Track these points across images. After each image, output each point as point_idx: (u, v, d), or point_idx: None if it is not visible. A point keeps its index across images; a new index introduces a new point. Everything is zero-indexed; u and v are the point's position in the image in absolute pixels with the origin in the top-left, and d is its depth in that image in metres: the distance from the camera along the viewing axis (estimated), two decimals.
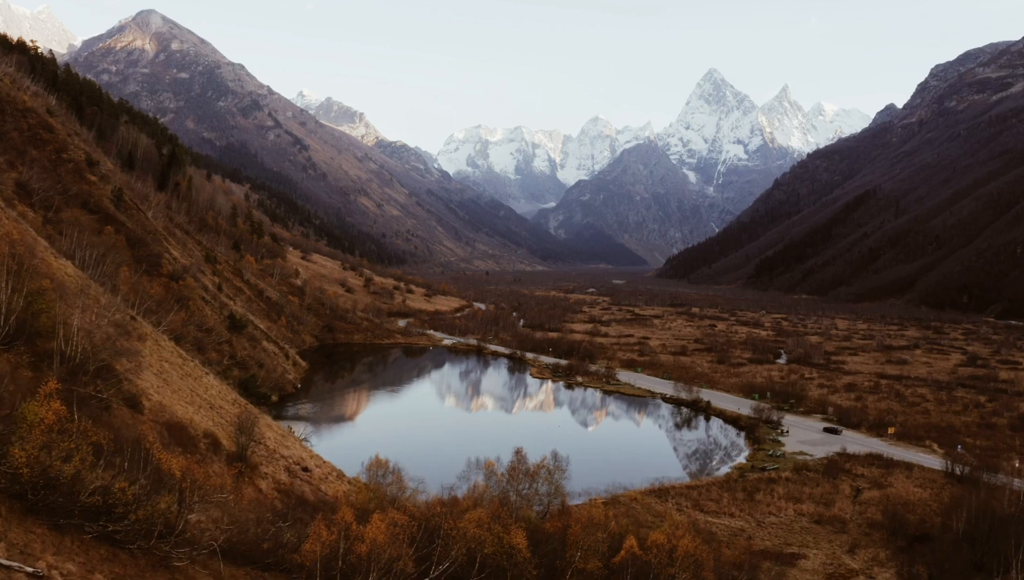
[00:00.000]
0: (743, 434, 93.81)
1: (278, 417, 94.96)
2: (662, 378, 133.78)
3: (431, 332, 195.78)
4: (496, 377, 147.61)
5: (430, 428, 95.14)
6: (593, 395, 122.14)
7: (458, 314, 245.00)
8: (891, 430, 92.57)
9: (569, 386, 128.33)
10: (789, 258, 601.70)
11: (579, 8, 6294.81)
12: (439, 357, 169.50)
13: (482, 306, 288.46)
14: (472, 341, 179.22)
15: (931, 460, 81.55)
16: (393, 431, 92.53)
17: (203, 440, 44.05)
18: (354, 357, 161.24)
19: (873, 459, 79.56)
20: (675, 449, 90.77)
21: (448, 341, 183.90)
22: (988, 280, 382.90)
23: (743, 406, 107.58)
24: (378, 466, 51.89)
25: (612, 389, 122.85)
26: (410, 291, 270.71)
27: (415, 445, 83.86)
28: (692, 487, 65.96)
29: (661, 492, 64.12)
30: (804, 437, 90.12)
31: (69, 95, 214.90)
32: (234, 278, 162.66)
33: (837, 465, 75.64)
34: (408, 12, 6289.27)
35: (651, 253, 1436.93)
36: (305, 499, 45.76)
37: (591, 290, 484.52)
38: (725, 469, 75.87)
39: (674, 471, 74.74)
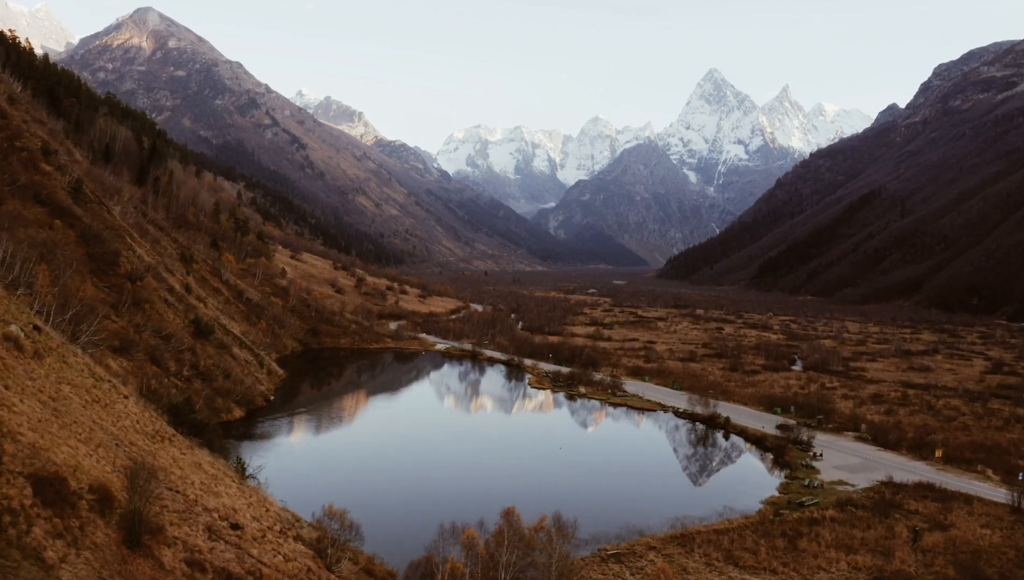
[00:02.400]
0: (770, 456, 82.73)
1: (244, 435, 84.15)
2: (672, 388, 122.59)
3: (423, 336, 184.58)
4: (490, 387, 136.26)
5: (410, 452, 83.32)
6: (598, 408, 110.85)
7: (453, 316, 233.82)
8: (938, 453, 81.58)
9: (571, 397, 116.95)
10: (793, 259, 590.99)
11: (579, 8, 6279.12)
12: (430, 364, 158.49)
13: (479, 307, 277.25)
14: (467, 346, 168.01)
15: (990, 490, 70.63)
16: (367, 456, 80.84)
17: (87, 496, 32.97)
18: (339, 363, 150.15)
19: (925, 490, 68.57)
20: (693, 476, 79.29)
21: (441, 345, 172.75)
22: (998, 281, 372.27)
23: (765, 422, 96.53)
24: (331, 517, 41.07)
25: (618, 401, 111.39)
26: (404, 292, 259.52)
27: (390, 475, 72.78)
28: (721, 531, 54.83)
29: (685, 539, 53.02)
30: (840, 461, 78.99)
31: (45, 85, 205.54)
32: (211, 278, 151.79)
33: (887, 499, 64.66)
34: (408, 12, 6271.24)
35: (651, 253, 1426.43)
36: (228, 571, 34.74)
37: (592, 291, 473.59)
38: (755, 504, 64.65)
39: (695, 506, 63.63)
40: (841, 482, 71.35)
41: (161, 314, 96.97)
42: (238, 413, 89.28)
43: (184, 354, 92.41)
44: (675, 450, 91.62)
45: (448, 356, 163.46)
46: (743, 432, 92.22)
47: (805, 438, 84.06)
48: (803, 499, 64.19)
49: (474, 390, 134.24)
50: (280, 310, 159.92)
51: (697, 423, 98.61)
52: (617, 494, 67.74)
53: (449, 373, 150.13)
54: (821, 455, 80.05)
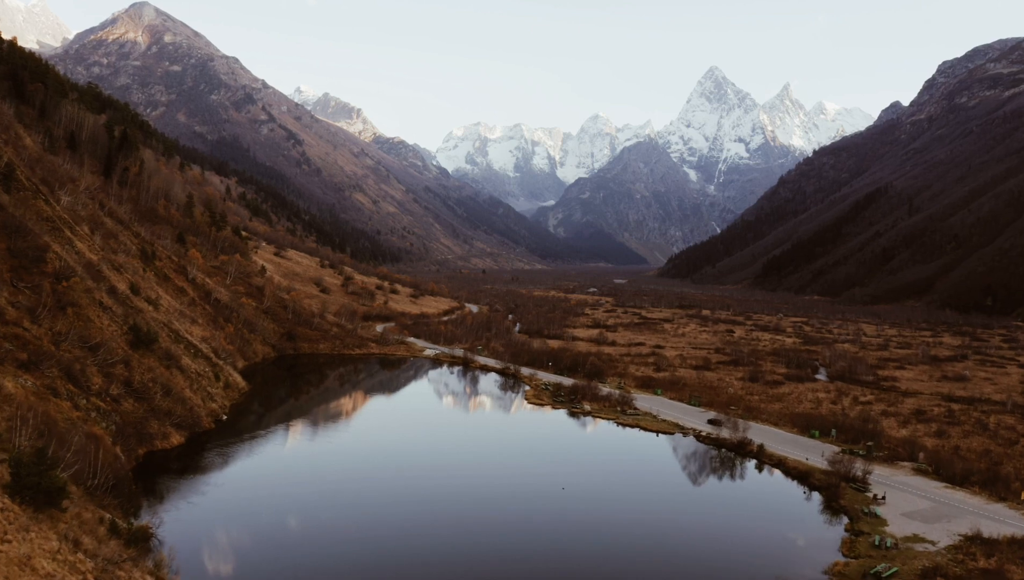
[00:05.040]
0: (819, 497, 67.55)
1: (179, 470, 69.59)
2: (689, 403, 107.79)
3: (412, 340, 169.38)
4: (481, 403, 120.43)
5: (373, 494, 66.48)
6: (605, 430, 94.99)
7: (446, 318, 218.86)
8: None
9: (574, 414, 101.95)
10: (798, 257, 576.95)
11: (579, 6, 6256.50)
12: (417, 373, 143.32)
13: (474, 308, 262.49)
14: (458, 352, 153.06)
15: None
16: (317, 500, 64.33)
17: None
18: (315, 372, 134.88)
19: (1023, 548, 54.06)
20: (731, 529, 61.57)
21: (430, 351, 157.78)
22: (1013, 281, 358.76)
23: (806, 449, 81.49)
24: None
25: (629, 421, 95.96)
26: (394, 291, 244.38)
27: (343, 533, 57.73)
28: None
29: None
30: (907, 505, 64.18)
31: (7, 69, 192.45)
32: (176, 277, 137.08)
33: (983, 567, 50.00)
34: (408, 10, 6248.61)
35: (651, 252, 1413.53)
36: None
37: (592, 290, 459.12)
38: (818, 576, 49.91)
39: (737, 575, 48.97)
40: (917, 538, 56.62)
41: (92, 320, 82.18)
42: (176, 439, 74.53)
43: (115, 367, 77.64)
44: (702, 489, 75.25)
45: (437, 363, 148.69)
46: (782, 464, 76.58)
47: (860, 474, 69.16)
48: (878, 568, 49.38)
49: (462, 407, 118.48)
50: (252, 312, 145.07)
51: (723, 450, 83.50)
52: (637, 559, 52.81)
53: (436, 384, 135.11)
54: (884, 498, 65.10)
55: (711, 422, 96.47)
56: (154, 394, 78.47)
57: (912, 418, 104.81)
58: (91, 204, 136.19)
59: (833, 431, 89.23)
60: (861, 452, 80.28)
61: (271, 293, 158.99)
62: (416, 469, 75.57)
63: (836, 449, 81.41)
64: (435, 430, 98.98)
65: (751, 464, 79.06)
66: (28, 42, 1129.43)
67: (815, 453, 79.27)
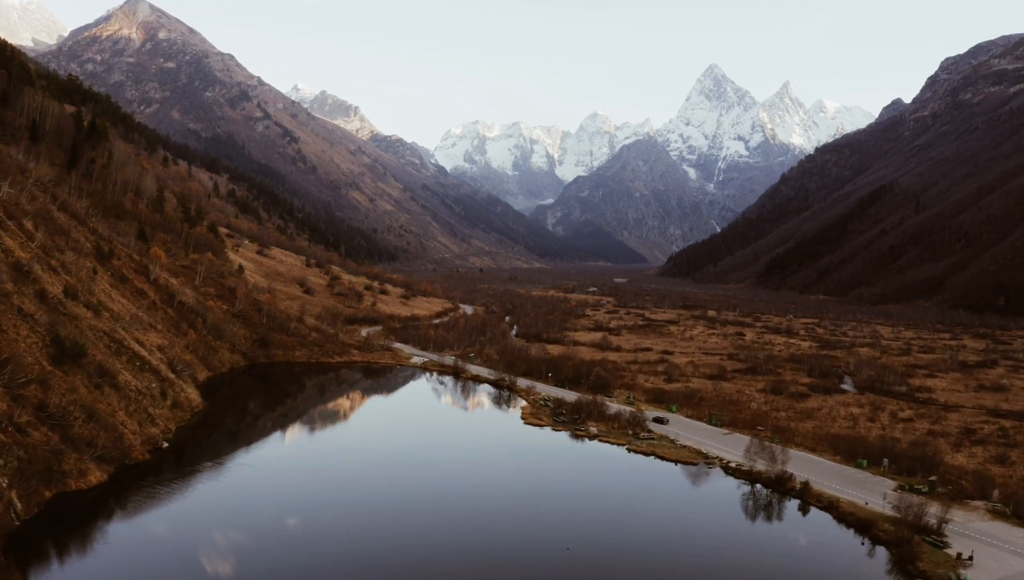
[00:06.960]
0: (885, 555, 54.01)
1: (97, 518, 56.25)
2: (710, 423, 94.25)
3: (399, 346, 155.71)
4: (470, 424, 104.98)
5: (325, 558, 51.55)
6: (614, 459, 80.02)
7: (437, 321, 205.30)
8: None
9: (578, 437, 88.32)
10: (802, 256, 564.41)
11: (579, 5, 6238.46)
12: (400, 385, 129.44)
13: (469, 309, 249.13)
14: (449, 360, 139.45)
15: None
16: (252, 566, 50.56)
17: None
18: (284, 385, 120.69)
19: None
20: None
21: (418, 359, 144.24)
22: None
23: (858, 485, 67.60)
24: None
25: (643, 448, 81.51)
26: (384, 292, 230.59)
27: None
28: None
29: None
30: (999, 567, 50.71)
31: None
32: (136, 278, 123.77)
33: None
34: (407, 10, 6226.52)
35: (651, 251, 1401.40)
36: None
37: (592, 289, 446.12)
38: None
39: None
40: None
41: (3, 330, 68.90)
42: (96, 476, 61.03)
43: (28, 388, 64.29)
44: (735, 545, 58.35)
45: (425, 372, 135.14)
46: (833, 507, 62.57)
47: (934, 522, 55.83)
48: None
49: (446, 430, 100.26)
50: (221, 316, 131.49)
51: (758, 486, 69.61)
52: None
53: (420, 399, 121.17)
54: (971, 558, 51.77)
55: (656, 420, 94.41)
56: (74, 420, 65.05)
57: (963, 439, 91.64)
58: (42, 197, 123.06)
59: (885, 461, 75.36)
60: (923, 488, 66.77)
61: (244, 295, 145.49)
62: (379, 517, 62.06)
63: (892, 483, 68.24)
64: (412, 459, 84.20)
65: (793, 505, 65.23)
66: (23, 40, 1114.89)
67: (871, 491, 65.86)
